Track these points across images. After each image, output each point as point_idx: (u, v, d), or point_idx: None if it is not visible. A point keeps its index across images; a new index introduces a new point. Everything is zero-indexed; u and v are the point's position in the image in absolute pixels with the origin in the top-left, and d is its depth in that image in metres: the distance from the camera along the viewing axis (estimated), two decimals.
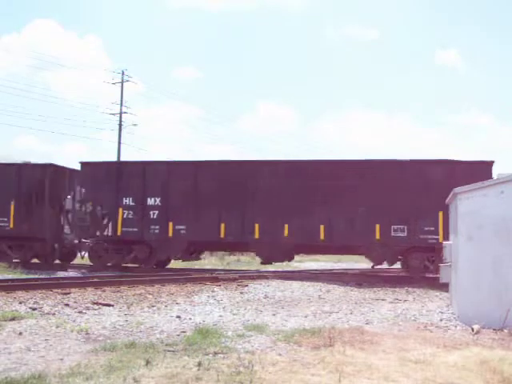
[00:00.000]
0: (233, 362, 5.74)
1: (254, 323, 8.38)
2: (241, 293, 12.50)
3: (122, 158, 39.59)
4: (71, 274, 17.32)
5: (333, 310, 10.02)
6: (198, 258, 19.74)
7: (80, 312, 9.33)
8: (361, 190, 16.16)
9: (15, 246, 19.01)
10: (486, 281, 8.68)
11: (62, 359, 6.02)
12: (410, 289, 13.68)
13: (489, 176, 14.01)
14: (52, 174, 19.12)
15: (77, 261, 20.29)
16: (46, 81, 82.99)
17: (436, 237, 15.51)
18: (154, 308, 9.94)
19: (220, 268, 19.66)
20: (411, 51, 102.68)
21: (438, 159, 16.36)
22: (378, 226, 16.00)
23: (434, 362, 5.91)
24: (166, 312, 9.49)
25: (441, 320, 9.13)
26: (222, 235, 17.21)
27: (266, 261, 17.83)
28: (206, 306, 10.25)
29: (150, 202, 17.82)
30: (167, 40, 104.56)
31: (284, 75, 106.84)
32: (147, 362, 5.65)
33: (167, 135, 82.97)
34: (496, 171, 15.08)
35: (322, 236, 16.40)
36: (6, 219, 18.82)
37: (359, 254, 18.07)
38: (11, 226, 18.77)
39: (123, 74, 42.91)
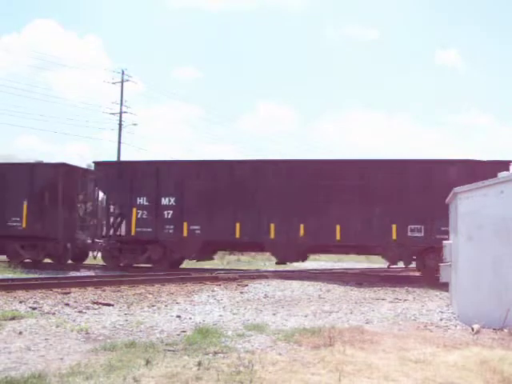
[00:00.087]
0: (233, 362, 5.75)
1: (254, 323, 8.39)
2: (241, 292, 12.50)
3: (122, 158, 39.58)
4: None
5: (333, 310, 10.02)
6: (211, 258, 19.62)
7: (80, 311, 9.33)
8: (378, 190, 16.11)
9: (28, 245, 18.90)
10: (486, 281, 8.68)
11: (62, 359, 6.02)
12: (409, 288, 13.67)
13: None
14: (65, 173, 19.02)
15: (89, 261, 20.14)
16: (47, 81, 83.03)
17: None
18: (154, 308, 9.94)
19: (220, 268, 19.66)
20: (411, 51, 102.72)
21: (457, 159, 16.24)
22: (394, 226, 15.92)
23: (434, 362, 5.91)
24: (166, 312, 9.49)
25: (441, 320, 9.13)
26: (238, 235, 17.12)
27: (282, 261, 17.74)
28: (206, 306, 10.26)
29: (165, 201, 17.71)
30: (167, 40, 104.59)
31: (284, 75, 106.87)
32: (147, 362, 5.66)
33: (167, 135, 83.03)
34: None
35: (338, 236, 16.31)
36: (18, 219, 18.69)
37: (375, 254, 17.91)
38: (24, 225, 18.63)
39: (123, 73, 42.95)
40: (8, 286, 11.93)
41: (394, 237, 15.94)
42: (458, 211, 9.08)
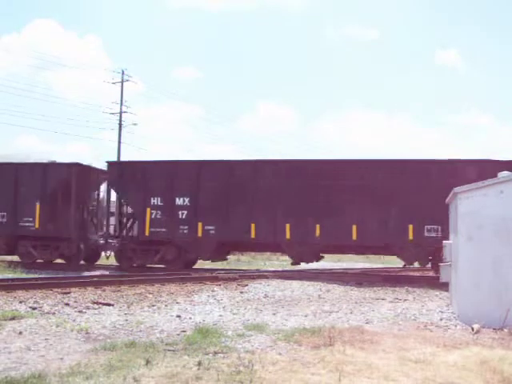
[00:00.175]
0: (233, 362, 5.74)
1: (254, 323, 8.38)
2: (241, 292, 12.50)
3: (122, 158, 39.58)
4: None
5: (333, 310, 10.02)
6: (225, 259, 19.57)
7: (80, 311, 9.32)
8: (394, 190, 16.08)
9: (40, 246, 18.81)
10: (486, 281, 8.67)
11: (61, 358, 6.02)
12: (409, 288, 13.67)
13: None
14: (78, 173, 18.89)
15: (101, 261, 20.03)
16: (47, 80, 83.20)
17: None
18: (154, 307, 9.94)
19: (220, 267, 19.65)
20: (411, 51, 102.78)
21: (472, 159, 16.20)
22: (411, 227, 15.89)
23: (434, 362, 5.91)
24: (166, 311, 9.49)
25: (441, 319, 9.13)
26: (253, 235, 17.09)
27: (297, 261, 17.67)
28: (206, 306, 10.25)
29: (179, 201, 17.64)
30: (167, 40, 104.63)
31: (284, 75, 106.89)
32: (147, 362, 5.65)
33: (167, 135, 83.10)
34: None
35: (354, 236, 16.29)
36: (31, 219, 18.59)
37: (391, 255, 17.86)
38: (37, 225, 18.54)
39: (123, 73, 42.96)
40: (8, 286, 11.92)
41: (411, 237, 15.91)
42: (457, 211, 9.07)
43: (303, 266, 20.06)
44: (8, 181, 18.87)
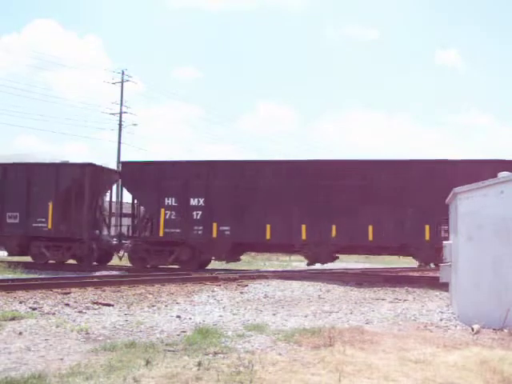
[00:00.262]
0: (233, 362, 5.74)
1: (254, 323, 8.38)
2: (241, 292, 12.49)
3: (122, 158, 39.58)
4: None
5: (333, 310, 10.02)
6: (238, 259, 19.52)
7: (80, 312, 9.32)
8: (410, 191, 16.07)
9: (52, 246, 18.73)
10: (485, 281, 8.67)
11: (62, 359, 6.02)
12: (409, 288, 13.68)
13: None
14: (91, 173, 18.80)
15: (114, 262, 19.93)
16: (46, 81, 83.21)
17: None
18: (154, 308, 9.94)
19: (220, 268, 19.65)
20: (411, 51, 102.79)
21: (488, 159, 16.13)
22: (427, 227, 15.87)
23: (434, 362, 5.90)
24: (166, 312, 9.48)
25: (441, 320, 9.13)
26: (268, 236, 17.03)
27: (313, 262, 17.64)
28: (206, 306, 10.25)
29: (193, 202, 17.59)
30: (167, 40, 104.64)
31: (284, 75, 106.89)
32: (147, 362, 5.65)
33: (167, 135, 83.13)
34: None
35: (370, 237, 16.28)
36: (44, 219, 18.51)
37: (408, 255, 17.77)
38: (49, 226, 18.47)
39: (123, 73, 42.93)
40: (8, 286, 11.92)
41: (427, 237, 15.89)
42: (457, 211, 9.07)
43: (303, 266, 20.04)
44: (20, 181, 18.80)
